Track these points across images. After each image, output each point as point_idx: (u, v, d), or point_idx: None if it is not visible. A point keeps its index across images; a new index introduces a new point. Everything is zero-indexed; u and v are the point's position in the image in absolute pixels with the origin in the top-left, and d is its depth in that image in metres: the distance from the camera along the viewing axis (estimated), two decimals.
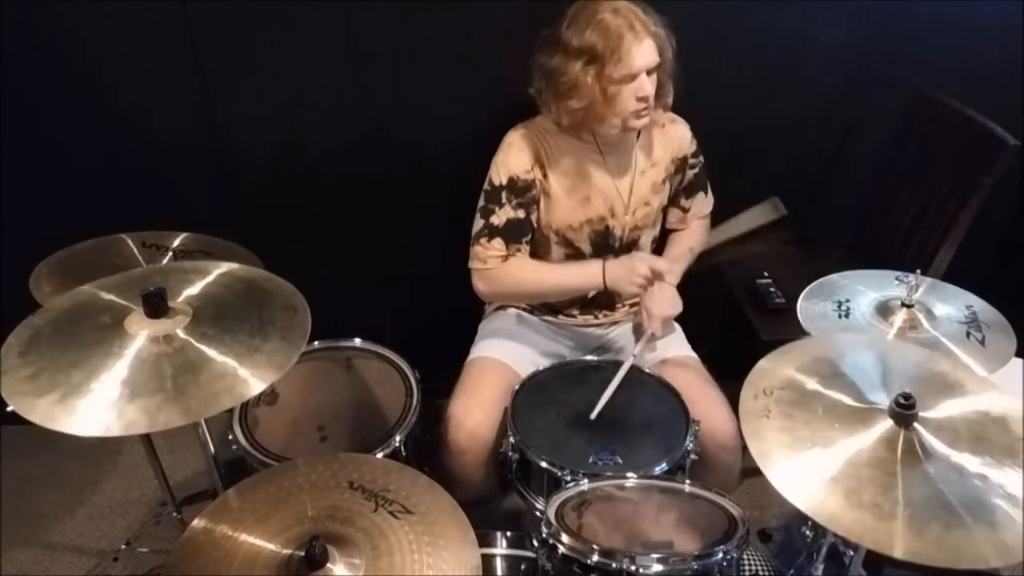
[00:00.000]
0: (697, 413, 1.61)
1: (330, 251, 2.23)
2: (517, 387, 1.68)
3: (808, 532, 1.62)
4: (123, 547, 1.95)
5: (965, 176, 1.81)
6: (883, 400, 1.13)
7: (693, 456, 1.55)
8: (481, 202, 1.73)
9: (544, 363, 1.80)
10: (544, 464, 1.50)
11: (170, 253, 1.71)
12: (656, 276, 1.66)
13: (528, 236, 1.75)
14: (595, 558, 1.24)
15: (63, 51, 1.88)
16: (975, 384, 1.20)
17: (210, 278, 1.36)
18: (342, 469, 1.22)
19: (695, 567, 1.25)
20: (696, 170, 1.87)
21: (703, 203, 1.93)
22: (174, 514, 1.79)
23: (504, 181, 1.70)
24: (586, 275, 1.73)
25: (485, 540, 1.36)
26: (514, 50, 1.66)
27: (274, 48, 1.91)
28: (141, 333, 1.21)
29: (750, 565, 1.80)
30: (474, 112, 1.98)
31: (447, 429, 1.66)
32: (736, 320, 2.05)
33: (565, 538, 1.27)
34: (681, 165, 1.83)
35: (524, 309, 1.91)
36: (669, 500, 1.42)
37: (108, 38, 1.87)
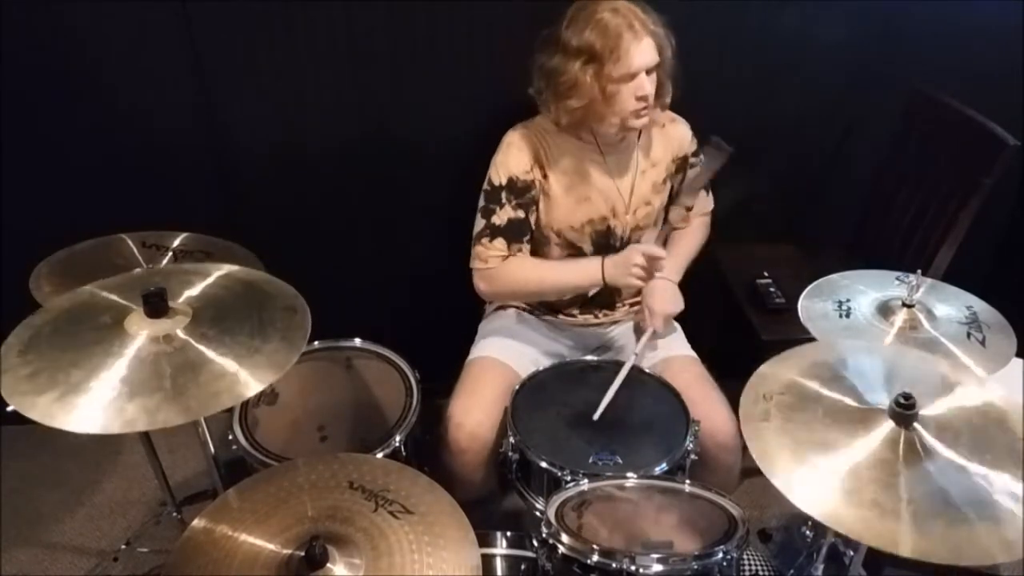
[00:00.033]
0: (697, 413, 1.61)
1: (330, 251, 2.23)
2: (517, 387, 1.68)
3: (808, 532, 1.63)
4: (123, 547, 1.95)
5: (965, 176, 1.81)
6: (883, 401, 1.12)
7: (693, 456, 1.55)
8: (481, 202, 1.73)
9: (544, 363, 1.80)
10: (544, 464, 1.50)
11: (170, 253, 1.71)
12: (652, 262, 1.64)
13: (528, 236, 1.75)
14: (595, 558, 1.24)
15: (63, 51, 1.88)
16: (975, 384, 1.20)
17: (210, 279, 1.36)
18: (342, 469, 1.22)
19: (695, 567, 1.25)
20: (697, 169, 1.87)
21: (705, 202, 1.93)
22: (174, 514, 1.79)
23: (504, 181, 1.70)
24: (585, 272, 1.73)
25: (485, 540, 1.36)
26: (514, 50, 1.66)
27: (274, 48, 1.91)
28: (141, 333, 1.21)
29: (750, 565, 1.80)
30: (474, 112, 1.98)
31: (447, 429, 1.66)
32: (736, 320, 2.05)
33: (565, 538, 1.27)
34: (682, 164, 1.83)
35: (524, 309, 1.91)
36: (669, 500, 1.42)
37: (108, 38, 1.87)
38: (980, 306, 1.45)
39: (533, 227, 1.76)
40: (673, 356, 1.80)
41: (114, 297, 1.30)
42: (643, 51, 1.54)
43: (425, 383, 1.71)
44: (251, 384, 1.16)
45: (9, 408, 1.12)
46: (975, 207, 1.80)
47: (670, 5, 1.60)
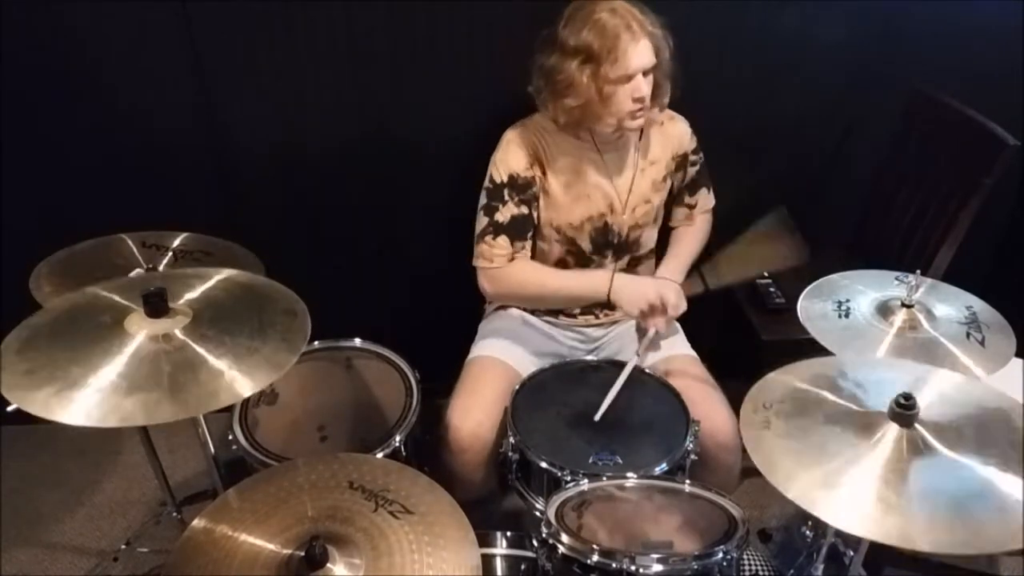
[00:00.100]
0: (697, 413, 1.61)
1: (330, 251, 2.23)
2: (517, 387, 1.68)
3: (808, 532, 1.63)
4: (123, 547, 1.95)
5: (965, 176, 1.81)
6: (884, 404, 1.12)
7: (693, 456, 1.55)
8: (483, 200, 1.73)
9: (544, 363, 1.80)
10: (544, 464, 1.50)
11: (170, 253, 1.71)
12: (661, 309, 1.67)
13: (531, 232, 1.75)
14: (595, 558, 1.24)
15: (63, 51, 1.88)
16: (975, 383, 1.20)
17: (211, 282, 1.36)
18: (342, 469, 1.22)
19: (695, 567, 1.25)
20: (697, 167, 1.87)
21: (707, 199, 1.93)
22: (174, 514, 1.79)
23: (505, 179, 1.70)
24: (592, 284, 1.72)
25: (485, 540, 1.36)
26: (514, 50, 1.66)
27: (274, 48, 1.91)
28: (140, 332, 1.21)
29: (750, 565, 1.80)
30: (474, 112, 1.98)
31: (447, 428, 1.66)
32: (736, 320, 2.06)
33: (565, 538, 1.27)
34: (682, 162, 1.84)
35: (524, 309, 1.91)
36: (669, 500, 1.42)
37: (108, 38, 1.87)
38: (980, 306, 1.45)
39: (536, 224, 1.76)
40: (674, 356, 1.80)
41: (114, 297, 1.30)
42: (641, 52, 1.54)
43: (425, 383, 1.71)
44: (250, 383, 1.16)
45: (10, 408, 1.12)
46: (975, 207, 1.80)
47: (670, 5, 1.60)
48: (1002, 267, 2.36)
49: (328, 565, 1.04)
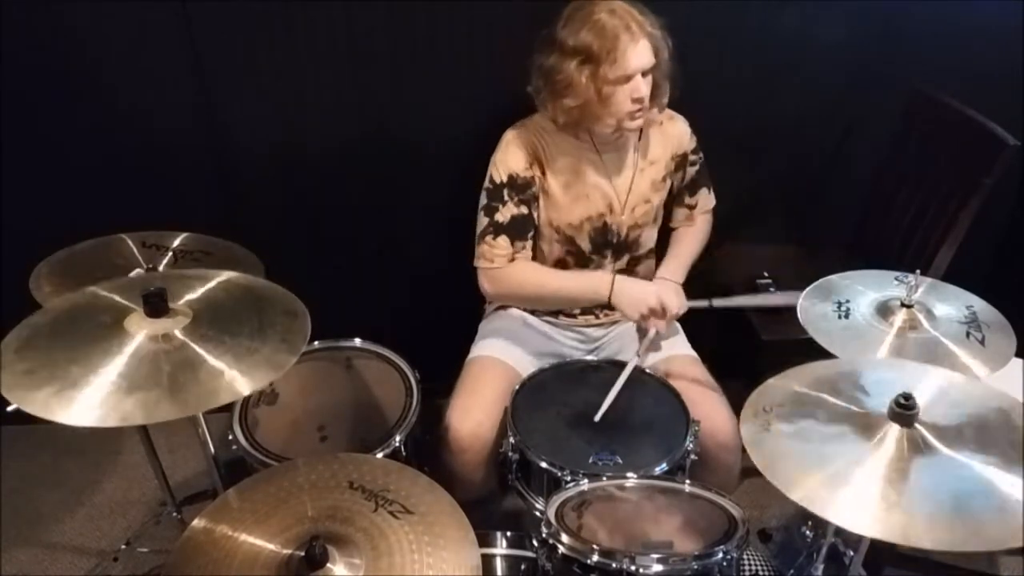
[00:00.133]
0: (697, 413, 1.61)
1: (330, 251, 2.23)
2: (517, 387, 1.68)
3: (808, 532, 1.62)
4: (123, 547, 1.95)
5: (965, 176, 1.81)
6: (884, 404, 1.12)
7: (693, 456, 1.55)
8: (483, 200, 1.73)
9: (544, 363, 1.80)
10: (544, 464, 1.50)
11: (170, 253, 1.71)
12: (660, 313, 1.67)
13: (531, 232, 1.75)
14: (595, 558, 1.24)
15: (63, 51, 1.88)
16: (975, 382, 1.20)
17: (211, 284, 1.36)
18: (342, 469, 1.22)
19: (695, 567, 1.25)
20: (697, 167, 1.87)
21: (707, 199, 1.93)
22: (174, 514, 1.79)
23: (504, 179, 1.70)
24: (592, 286, 1.73)
25: (485, 540, 1.36)
26: (514, 50, 1.66)
27: (274, 48, 1.91)
28: (140, 332, 1.21)
29: (750, 565, 1.80)
30: (474, 112, 1.98)
31: (447, 428, 1.66)
32: (736, 320, 2.06)
33: (565, 538, 1.27)
34: (681, 162, 1.84)
35: (525, 309, 1.91)
36: (669, 500, 1.42)
37: (108, 38, 1.87)
38: (980, 305, 1.45)
39: (537, 223, 1.76)
40: (674, 356, 1.80)
41: (114, 297, 1.30)
42: (639, 53, 1.54)
43: (425, 383, 1.71)
44: (249, 382, 1.16)
45: (10, 408, 1.12)
46: (975, 207, 1.80)
47: (670, 5, 1.60)
48: (1002, 267, 2.36)
49: (328, 565, 1.04)
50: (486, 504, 1.84)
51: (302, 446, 1.63)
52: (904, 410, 1.08)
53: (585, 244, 1.79)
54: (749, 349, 1.98)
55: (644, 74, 1.57)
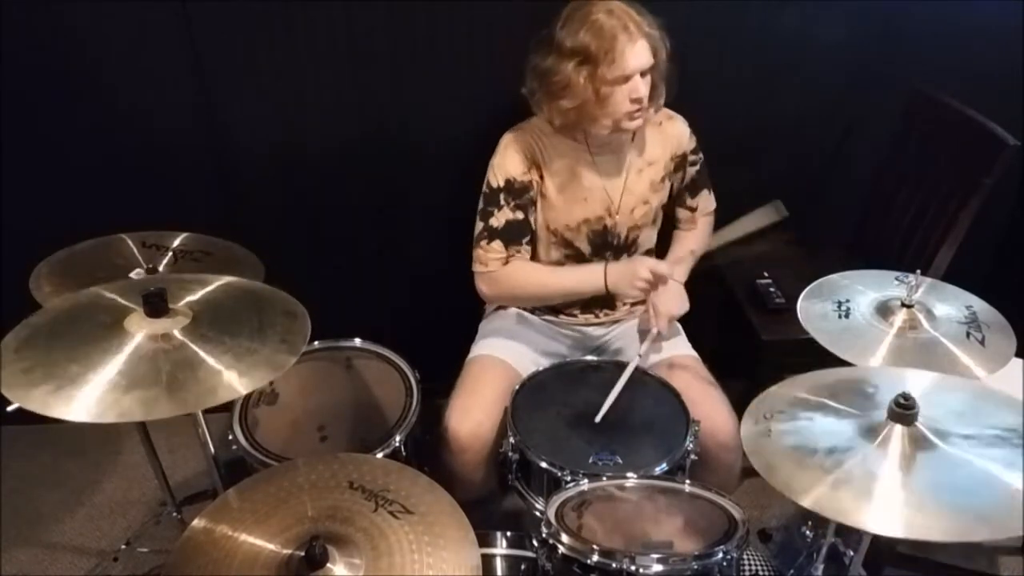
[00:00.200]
0: (698, 413, 1.61)
1: (330, 251, 2.23)
2: (517, 387, 1.68)
3: (808, 532, 1.62)
4: (123, 547, 1.95)
5: (965, 176, 1.81)
6: (884, 404, 1.13)
7: (693, 456, 1.55)
8: (480, 204, 1.74)
9: (544, 362, 1.80)
10: (544, 464, 1.50)
11: (170, 253, 1.71)
12: (658, 279, 1.66)
13: (528, 237, 1.75)
14: (595, 558, 1.24)
15: (63, 51, 1.88)
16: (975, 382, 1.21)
17: (211, 287, 1.36)
18: (342, 469, 1.22)
19: (695, 567, 1.25)
20: (697, 167, 1.87)
21: (708, 200, 1.93)
22: (174, 514, 1.79)
23: (501, 183, 1.70)
24: (588, 278, 1.73)
25: (485, 540, 1.36)
26: (514, 50, 1.65)
27: (274, 48, 1.91)
28: (140, 332, 1.21)
29: (750, 565, 1.80)
30: (474, 112, 1.98)
31: (447, 428, 1.66)
32: (736, 320, 2.06)
33: (565, 538, 1.27)
34: (681, 162, 1.83)
35: (525, 308, 1.91)
36: (669, 500, 1.42)
37: (108, 38, 1.87)
38: (980, 306, 1.45)
39: (534, 228, 1.76)
40: (675, 356, 1.80)
41: (115, 298, 1.30)
42: (638, 53, 1.54)
43: (425, 383, 1.71)
44: (248, 381, 1.16)
45: (10, 408, 1.12)
46: (975, 207, 1.80)
47: (669, 5, 1.60)
48: (1002, 267, 2.36)
49: (328, 565, 1.04)
50: (486, 504, 1.84)
51: (302, 446, 1.63)
52: (904, 410, 1.09)
53: (584, 246, 1.79)
54: (749, 349, 1.98)
55: (642, 74, 1.57)
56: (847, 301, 1.46)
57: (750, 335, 1.97)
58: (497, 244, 1.71)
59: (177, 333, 1.22)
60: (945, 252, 1.85)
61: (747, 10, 1.96)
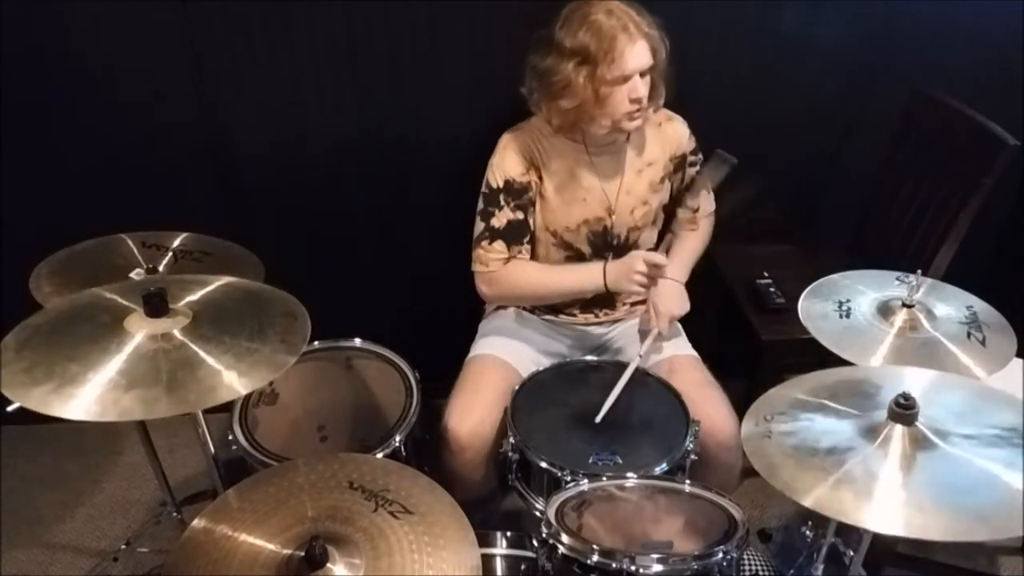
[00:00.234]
0: (698, 413, 1.61)
1: (330, 251, 2.23)
2: (517, 387, 1.68)
3: (808, 532, 1.62)
4: (123, 547, 1.95)
5: (965, 176, 1.81)
6: (884, 404, 1.13)
7: (693, 456, 1.55)
8: (480, 205, 1.73)
9: (544, 362, 1.80)
10: (544, 464, 1.50)
11: (170, 253, 1.71)
12: (654, 270, 1.65)
13: (528, 237, 1.75)
14: (595, 558, 1.24)
15: (63, 51, 1.88)
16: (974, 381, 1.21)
17: (211, 287, 1.36)
18: (342, 469, 1.22)
19: (695, 567, 1.25)
20: (697, 168, 1.87)
21: (708, 200, 1.93)
22: (174, 514, 1.79)
23: (501, 184, 1.70)
24: (587, 277, 1.73)
25: (485, 540, 1.36)
26: (514, 50, 1.66)
27: (274, 48, 1.91)
28: (140, 332, 1.21)
29: (750, 565, 1.80)
30: (474, 112, 1.98)
31: (447, 427, 1.65)
32: (736, 320, 2.06)
33: (565, 538, 1.27)
34: (680, 163, 1.83)
35: (525, 308, 1.91)
36: (669, 500, 1.42)
37: (108, 38, 1.87)
38: (980, 306, 1.45)
39: (533, 227, 1.76)
40: (675, 356, 1.80)
41: (115, 298, 1.30)
42: (637, 53, 1.55)
43: (425, 383, 1.71)
44: (248, 381, 1.16)
45: (10, 408, 1.12)
46: (975, 207, 1.80)
47: (669, 5, 1.60)
48: (1002, 267, 2.36)
49: (328, 565, 1.04)
50: (486, 504, 1.84)
51: (302, 446, 1.63)
52: (904, 410, 1.09)
53: (584, 247, 1.79)
54: (749, 349, 1.98)
55: (642, 75, 1.57)
56: (848, 301, 1.46)
57: (750, 335, 1.97)
58: (499, 244, 1.71)
59: (177, 333, 1.22)
60: (945, 252, 1.85)
61: (747, 10, 1.96)
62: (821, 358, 1.34)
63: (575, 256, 1.80)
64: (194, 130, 2.00)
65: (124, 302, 1.28)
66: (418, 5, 1.88)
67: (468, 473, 1.67)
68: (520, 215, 1.72)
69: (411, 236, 2.22)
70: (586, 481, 1.41)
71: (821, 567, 1.53)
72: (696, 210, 1.90)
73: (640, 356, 1.72)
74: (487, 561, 1.35)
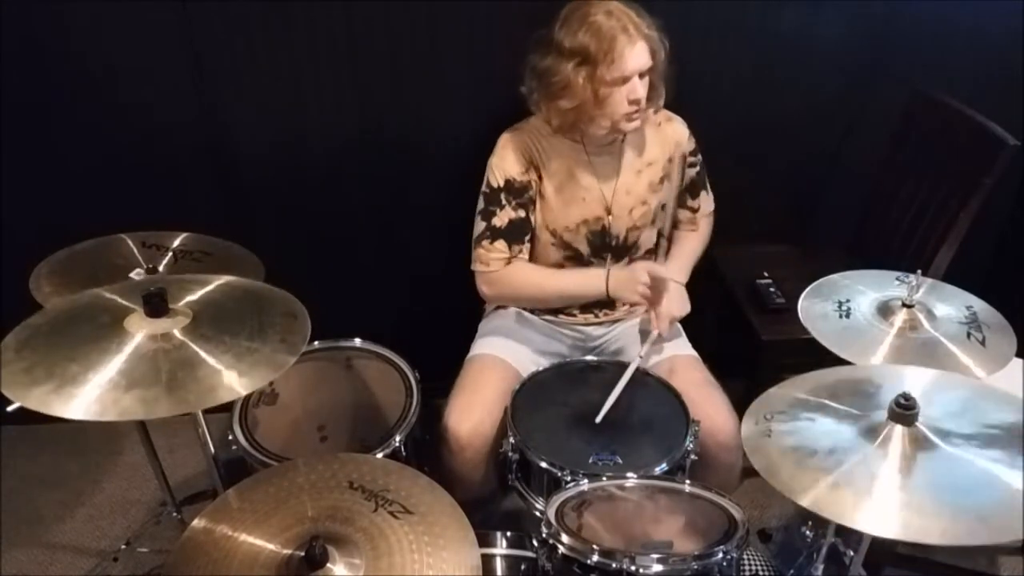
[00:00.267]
0: (698, 413, 1.61)
1: (330, 251, 2.23)
2: (517, 387, 1.68)
3: (808, 532, 1.62)
4: (123, 547, 1.95)
5: (965, 176, 1.81)
6: (885, 404, 1.13)
7: (693, 456, 1.55)
8: (481, 204, 1.74)
9: (544, 362, 1.80)
10: (544, 464, 1.50)
11: (170, 253, 1.71)
12: (657, 283, 1.66)
13: (529, 235, 1.75)
14: (595, 558, 1.24)
15: (63, 51, 1.88)
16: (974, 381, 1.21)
17: (211, 287, 1.36)
18: (342, 469, 1.22)
19: (695, 567, 1.25)
20: (697, 168, 1.87)
21: (708, 201, 1.93)
22: (174, 514, 1.79)
23: (501, 183, 1.70)
24: (589, 282, 1.73)
25: (485, 540, 1.36)
26: (514, 50, 1.66)
27: (274, 48, 1.91)
28: (140, 332, 1.21)
29: (750, 565, 1.80)
30: (474, 112, 1.98)
31: (447, 427, 1.65)
32: (736, 320, 2.06)
33: (565, 538, 1.27)
34: (680, 163, 1.83)
35: (524, 308, 1.91)
36: (669, 500, 1.42)
37: (108, 38, 1.87)
38: (980, 306, 1.45)
39: (533, 226, 1.76)
40: (675, 356, 1.80)
41: (115, 298, 1.30)
42: (637, 54, 1.55)
43: (425, 383, 1.71)
44: (248, 381, 1.16)
45: (10, 408, 1.12)
46: (975, 207, 1.80)
47: (670, 5, 1.60)
48: (1002, 267, 2.36)
49: (328, 565, 1.04)
50: (486, 504, 1.84)
51: (302, 446, 1.63)
52: (904, 410, 1.09)
53: (583, 247, 1.79)
54: (749, 349, 1.98)
55: (641, 76, 1.57)
56: (848, 301, 1.46)
57: (750, 335, 1.97)
58: (500, 244, 1.71)
59: (177, 333, 1.22)
60: (945, 252, 1.85)
61: (747, 10, 1.96)
62: (818, 358, 1.33)
63: (574, 256, 1.80)
64: (194, 130, 2.01)
65: (124, 302, 1.28)
66: (418, 5, 1.88)
67: (468, 473, 1.67)
68: (522, 213, 1.72)
69: (411, 236, 2.22)
70: (586, 481, 1.41)
71: (821, 567, 1.53)
72: (696, 210, 1.91)
73: (640, 357, 1.72)
74: (487, 561, 1.35)
